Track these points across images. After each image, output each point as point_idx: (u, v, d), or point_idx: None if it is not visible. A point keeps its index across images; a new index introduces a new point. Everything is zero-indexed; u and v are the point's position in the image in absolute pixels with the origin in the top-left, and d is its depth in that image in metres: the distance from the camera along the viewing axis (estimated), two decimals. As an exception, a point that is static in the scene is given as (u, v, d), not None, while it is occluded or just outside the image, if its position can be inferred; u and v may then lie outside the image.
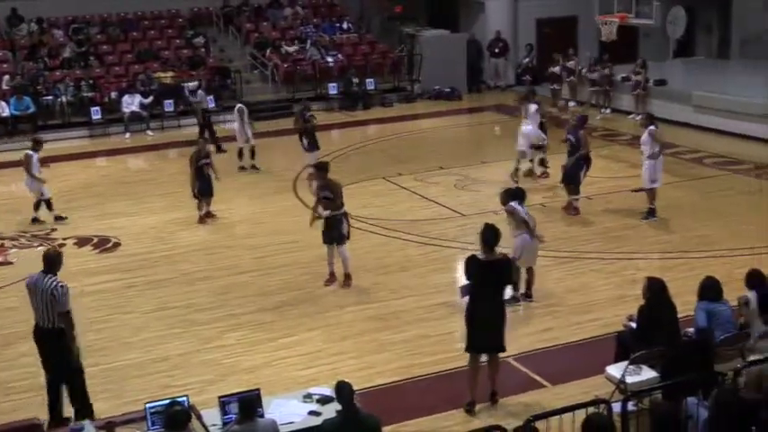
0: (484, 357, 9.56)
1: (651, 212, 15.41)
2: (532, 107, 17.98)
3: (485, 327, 9.34)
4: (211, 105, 25.59)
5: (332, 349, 11.03)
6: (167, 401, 8.04)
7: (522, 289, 12.23)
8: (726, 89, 23.08)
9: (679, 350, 8.76)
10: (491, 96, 28.60)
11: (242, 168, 20.02)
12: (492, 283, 9.36)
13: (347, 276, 13.11)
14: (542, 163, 18.46)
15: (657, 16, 24.35)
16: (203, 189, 16.23)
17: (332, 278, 13.16)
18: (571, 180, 15.96)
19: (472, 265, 9.34)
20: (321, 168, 13.30)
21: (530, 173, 18.32)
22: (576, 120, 16.61)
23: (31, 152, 16.54)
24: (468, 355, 9.49)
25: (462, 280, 9.87)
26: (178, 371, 10.61)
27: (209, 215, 16.43)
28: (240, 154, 20.16)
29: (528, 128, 17.84)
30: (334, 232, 12.86)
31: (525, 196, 12.43)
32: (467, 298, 9.66)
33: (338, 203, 12.82)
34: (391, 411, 9.18)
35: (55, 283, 9.02)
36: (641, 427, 8.24)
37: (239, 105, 20.53)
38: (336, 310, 12.21)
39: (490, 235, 9.30)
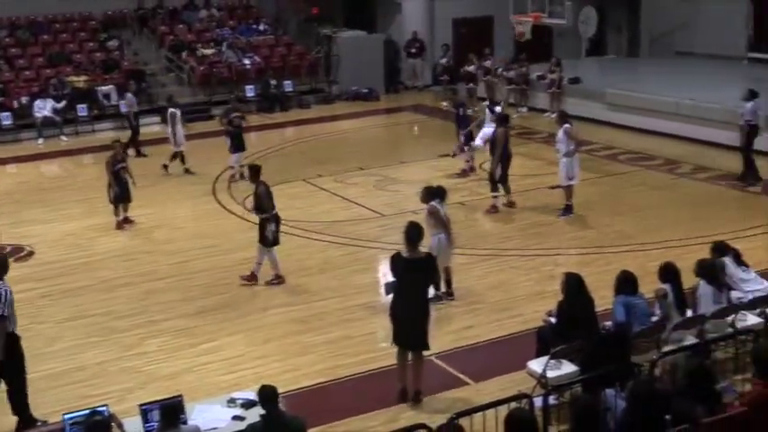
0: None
1: (568, 209, 15.67)
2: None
3: (407, 324, 9.43)
4: (125, 109, 25.22)
5: (255, 353, 10.96)
6: (86, 411, 7.89)
7: (443, 288, 12.33)
8: (637, 87, 23.62)
9: (597, 343, 8.93)
10: (409, 97, 28.76)
11: (165, 167, 19.78)
12: (415, 281, 9.42)
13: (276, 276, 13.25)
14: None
15: (570, 16, 24.83)
16: (120, 194, 15.96)
17: (279, 279, 13.21)
18: (490, 178, 16.19)
19: (396, 262, 9.42)
20: (252, 170, 13.25)
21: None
22: (496, 118, 16.89)
23: None
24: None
25: (387, 278, 9.91)
26: (97, 380, 10.42)
27: (126, 221, 16.16)
28: (173, 157, 19.87)
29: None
30: (260, 234, 12.93)
31: (446, 195, 12.49)
32: (391, 295, 9.71)
33: (263, 207, 12.83)
34: (317, 413, 9.16)
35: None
36: (562, 420, 8.38)
37: (172, 109, 20.19)
38: (258, 314, 12.13)
39: (414, 232, 9.40)
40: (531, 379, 9.13)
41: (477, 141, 18.17)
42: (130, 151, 20.28)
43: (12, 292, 9.08)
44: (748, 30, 25.34)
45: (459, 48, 29.00)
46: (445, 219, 12.09)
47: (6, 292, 8.94)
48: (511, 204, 16.30)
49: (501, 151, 15.91)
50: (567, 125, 15.38)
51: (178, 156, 19.82)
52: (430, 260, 9.61)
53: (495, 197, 16.21)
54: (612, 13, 30.88)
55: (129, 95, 22.53)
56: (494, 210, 16.12)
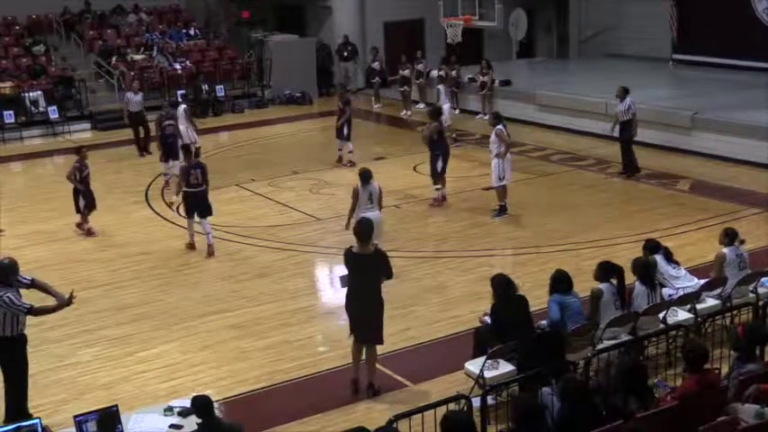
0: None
1: (502, 209, 15.85)
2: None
3: (359, 318, 9.65)
4: (54, 116, 24.88)
5: (192, 360, 10.86)
6: (13, 427, 7.73)
7: None
8: (566, 88, 23.97)
9: (532, 343, 9.05)
10: (342, 100, 28.67)
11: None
12: (366, 276, 9.57)
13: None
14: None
15: (500, 19, 25.08)
16: (91, 202, 15.77)
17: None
18: (431, 173, 16.64)
19: (347, 257, 9.62)
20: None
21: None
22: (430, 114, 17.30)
23: None
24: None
25: (342, 271, 9.99)
26: (30, 392, 10.17)
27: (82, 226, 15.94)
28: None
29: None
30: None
31: (371, 177, 13.31)
32: (345, 288, 9.86)
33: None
34: (256, 419, 9.15)
35: (3, 293, 8.82)
36: (501, 419, 8.48)
37: (183, 106, 19.96)
38: (195, 320, 12.02)
39: (362, 229, 9.58)
40: (469, 380, 9.21)
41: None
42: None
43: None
44: (672, 32, 25.90)
45: (391, 51, 29.10)
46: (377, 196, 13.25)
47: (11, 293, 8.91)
48: (436, 200, 16.67)
49: (441, 145, 16.41)
50: (499, 126, 15.55)
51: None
52: (380, 255, 9.67)
53: (438, 189, 16.53)
54: (542, 15, 31.31)
55: (140, 96, 22.10)
56: (436, 203, 16.47)
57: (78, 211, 15.80)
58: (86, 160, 15.79)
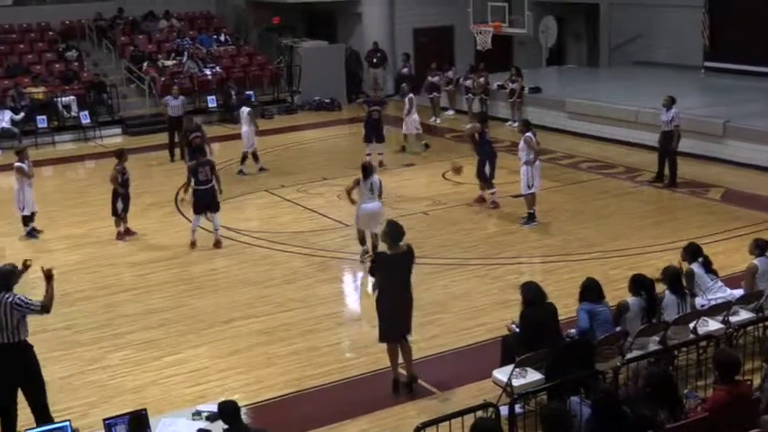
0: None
1: (531, 217, 15.78)
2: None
3: (395, 317, 9.73)
4: (86, 121, 25.11)
5: (220, 365, 10.89)
6: (47, 428, 7.79)
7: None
8: (596, 95, 23.85)
9: (561, 351, 9.00)
10: (371, 106, 28.71)
11: (241, 173, 20.06)
12: (400, 274, 9.73)
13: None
14: None
15: (530, 26, 25.01)
16: (126, 206, 15.96)
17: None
18: (478, 176, 16.86)
19: (382, 260, 9.82)
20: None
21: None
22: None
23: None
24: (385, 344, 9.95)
25: (367, 278, 10.16)
26: (60, 394, 10.27)
27: (128, 232, 16.10)
28: (244, 158, 20.10)
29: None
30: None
31: (372, 171, 14.06)
32: (377, 291, 9.98)
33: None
34: (283, 425, 9.16)
35: (12, 297, 8.84)
36: (528, 428, 8.43)
37: (247, 109, 20.28)
38: (223, 326, 12.06)
39: (395, 230, 9.69)
40: (496, 388, 9.17)
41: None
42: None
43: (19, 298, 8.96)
44: (704, 39, 25.71)
45: (420, 57, 29.11)
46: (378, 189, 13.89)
47: (21, 297, 8.94)
48: (482, 200, 16.91)
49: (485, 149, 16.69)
50: (528, 134, 15.51)
51: (247, 156, 20.11)
52: (411, 252, 9.81)
53: (493, 193, 16.79)
54: (572, 22, 31.22)
55: (179, 100, 22.32)
56: (494, 205, 16.80)
57: (114, 213, 15.94)
58: (126, 163, 15.94)
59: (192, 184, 15.07)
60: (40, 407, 9.16)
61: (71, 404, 9.98)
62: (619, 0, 28.57)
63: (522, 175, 15.57)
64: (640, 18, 28.10)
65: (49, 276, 9.06)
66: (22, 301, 8.90)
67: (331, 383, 10.30)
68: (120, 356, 11.25)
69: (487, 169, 16.70)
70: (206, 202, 15.07)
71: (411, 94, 21.54)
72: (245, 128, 19.98)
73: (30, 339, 11.72)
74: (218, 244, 15.10)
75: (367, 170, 13.95)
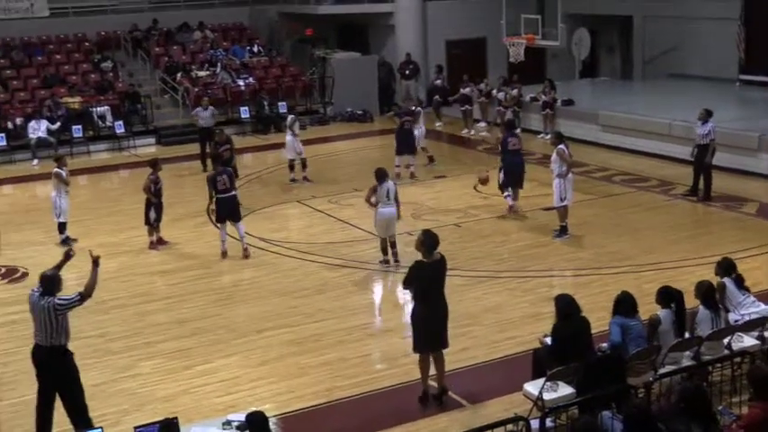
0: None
1: (563, 230, 15.70)
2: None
3: (432, 326, 9.74)
4: (120, 130, 25.38)
5: (251, 375, 10.92)
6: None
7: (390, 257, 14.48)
8: (630, 108, 23.71)
9: (593, 365, 8.93)
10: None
11: (293, 180, 20.39)
12: (436, 283, 9.74)
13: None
14: None
15: (563, 38, 24.94)
16: (160, 215, 16.12)
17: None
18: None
19: (421, 269, 9.72)
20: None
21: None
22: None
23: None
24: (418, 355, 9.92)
25: (398, 289, 10.16)
26: (92, 402, 10.31)
27: (161, 241, 16.27)
28: (291, 167, 20.39)
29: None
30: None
31: (387, 176, 14.51)
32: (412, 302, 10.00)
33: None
34: (312, 436, 9.17)
35: (52, 300, 9.04)
36: (559, 442, 8.38)
37: (291, 116, 20.54)
38: (253, 335, 12.10)
39: (430, 239, 9.72)
40: (527, 401, 9.11)
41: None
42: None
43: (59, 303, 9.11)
44: (739, 52, 25.50)
45: (453, 69, 29.11)
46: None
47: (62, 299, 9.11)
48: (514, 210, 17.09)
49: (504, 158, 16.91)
50: (561, 146, 15.44)
51: (294, 164, 20.42)
52: (444, 260, 9.84)
53: (506, 197, 17.03)
54: (605, 35, 31.10)
55: (209, 111, 22.54)
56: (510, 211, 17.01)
57: (147, 222, 16.07)
58: (160, 173, 16.08)
59: (213, 193, 15.19)
60: (77, 411, 9.31)
61: (103, 411, 10.05)
62: (653, 12, 28.41)
63: (555, 187, 15.49)
64: (675, 30, 27.92)
65: (95, 262, 9.30)
66: (62, 299, 9.07)
67: (361, 394, 10.29)
68: (151, 365, 11.32)
69: (501, 176, 16.88)
70: (227, 211, 15.17)
71: (419, 108, 21.72)
72: (288, 137, 20.07)
73: (64, 346, 11.91)
74: (245, 254, 15.13)
75: (381, 175, 14.26)
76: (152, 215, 15.98)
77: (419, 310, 9.80)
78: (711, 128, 17.30)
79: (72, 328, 12.42)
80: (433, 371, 9.94)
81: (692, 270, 13.08)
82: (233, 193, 15.15)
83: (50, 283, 9.16)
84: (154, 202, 15.91)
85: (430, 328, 9.77)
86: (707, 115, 17.40)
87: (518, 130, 19.18)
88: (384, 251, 14.52)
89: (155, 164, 16.17)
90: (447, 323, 9.89)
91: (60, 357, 9.18)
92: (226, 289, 13.92)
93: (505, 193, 17.04)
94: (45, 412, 9.29)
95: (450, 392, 9.97)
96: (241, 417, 8.49)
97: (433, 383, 9.97)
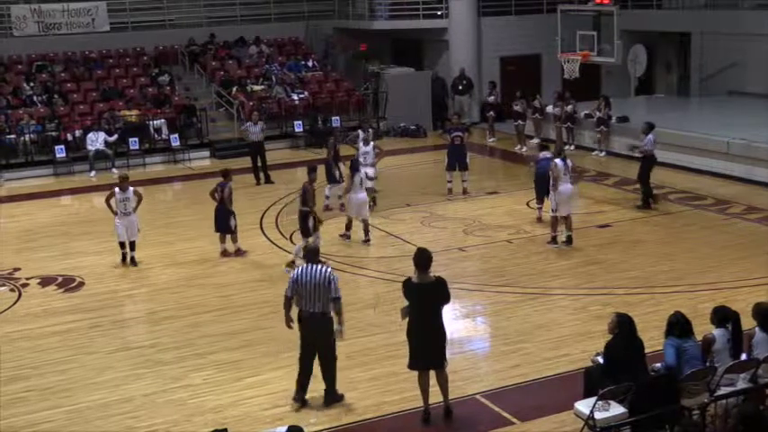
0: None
1: (553, 240, 16.14)
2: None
3: (424, 346, 9.75)
4: (176, 143, 25.68)
5: (300, 388, 10.92)
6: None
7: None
8: (686, 125, 23.38)
9: (646, 386, 8.79)
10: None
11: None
12: (428, 305, 9.73)
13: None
14: None
15: (619, 55, 24.69)
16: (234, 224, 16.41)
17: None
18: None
19: (408, 287, 9.82)
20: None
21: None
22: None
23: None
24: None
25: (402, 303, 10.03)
26: (143, 411, 10.47)
27: (238, 252, 16.49)
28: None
29: None
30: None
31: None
32: (407, 319, 9.96)
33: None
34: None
35: (328, 271, 10.17)
36: (611, 462, 8.25)
37: (362, 133, 20.45)
38: (304, 349, 12.09)
39: (421, 259, 9.81)
40: (578, 420, 8.99)
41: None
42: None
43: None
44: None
45: (507, 85, 28.98)
46: None
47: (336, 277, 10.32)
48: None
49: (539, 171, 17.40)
50: (556, 160, 16.00)
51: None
52: (440, 284, 9.80)
53: (537, 208, 17.73)
54: (662, 51, 30.75)
55: (259, 126, 22.75)
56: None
57: (218, 230, 16.33)
58: (231, 183, 16.38)
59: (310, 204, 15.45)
60: (329, 378, 10.35)
61: (154, 421, 10.14)
62: (711, 29, 28.02)
63: (550, 199, 16.24)
64: (734, 48, 27.49)
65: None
66: (334, 279, 10.21)
67: (410, 410, 10.24)
68: (201, 376, 11.39)
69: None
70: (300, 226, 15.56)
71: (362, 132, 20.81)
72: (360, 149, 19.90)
73: (113, 356, 12.09)
74: (290, 266, 14.98)
75: (354, 165, 16.53)
76: (232, 222, 16.20)
77: (408, 326, 9.87)
78: (650, 140, 18.24)
79: (123, 339, 12.75)
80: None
81: (749, 291, 12.84)
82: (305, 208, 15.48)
83: (316, 254, 10.49)
84: (232, 212, 16.19)
85: (421, 348, 9.76)
86: (648, 129, 18.35)
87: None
88: (347, 227, 16.83)
89: (226, 174, 16.47)
90: (440, 343, 9.82)
91: (327, 323, 10.23)
92: (276, 301, 13.58)
93: (539, 205, 17.64)
94: (306, 367, 10.35)
95: (501, 409, 9.90)
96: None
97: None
